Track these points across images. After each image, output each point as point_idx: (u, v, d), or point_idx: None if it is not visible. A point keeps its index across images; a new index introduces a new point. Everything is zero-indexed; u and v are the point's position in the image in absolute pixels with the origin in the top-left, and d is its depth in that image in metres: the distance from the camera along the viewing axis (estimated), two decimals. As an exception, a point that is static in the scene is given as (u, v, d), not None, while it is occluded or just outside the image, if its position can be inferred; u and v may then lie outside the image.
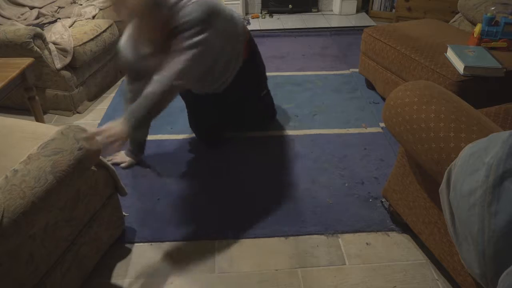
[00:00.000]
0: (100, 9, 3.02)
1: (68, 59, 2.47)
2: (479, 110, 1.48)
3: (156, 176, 2.02)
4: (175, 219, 1.80)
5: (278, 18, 4.11)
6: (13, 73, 1.97)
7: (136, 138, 1.98)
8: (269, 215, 1.81)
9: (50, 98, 2.57)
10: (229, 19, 1.78)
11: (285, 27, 3.89)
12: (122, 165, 2.07)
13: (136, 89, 1.80)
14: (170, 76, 1.56)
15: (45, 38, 2.39)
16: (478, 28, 2.19)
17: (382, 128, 2.39)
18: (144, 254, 1.65)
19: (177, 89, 1.62)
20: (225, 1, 4.05)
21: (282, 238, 1.71)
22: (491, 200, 0.96)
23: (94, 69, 2.73)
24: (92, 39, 2.61)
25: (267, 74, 3.10)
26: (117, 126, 1.51)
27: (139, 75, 1.76)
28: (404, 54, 2.28)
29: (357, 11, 4.19)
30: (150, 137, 2.33)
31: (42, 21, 2.86)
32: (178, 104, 2.65)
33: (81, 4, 3.13)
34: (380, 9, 4.16)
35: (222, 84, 1.94)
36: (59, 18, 2.89)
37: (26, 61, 2.08)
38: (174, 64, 1.56)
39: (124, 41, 1.77)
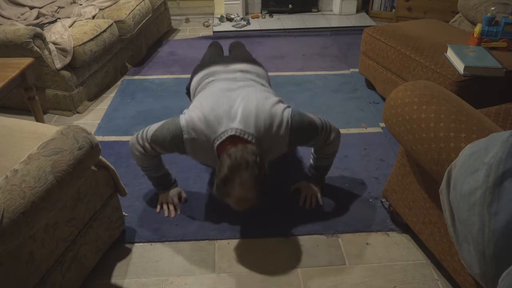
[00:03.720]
0: (100, 9, 3.02)
1: (68, 59, 2.47)
2: (479, 110, 1.48)
3: (156, 176, 2.02)
4: (175, 219, 1.79)
5: (278, 18, 4.11)
6: (13, 73, 1.97)
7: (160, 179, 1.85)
8: (269, 215, 1.81)
9: (50, 98, 2.57)
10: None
11: (285, 27, 3.89)
12: (181, 201, 1.90)
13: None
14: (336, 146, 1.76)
15: (45, 38, 2.39)
16: (478, 28, 2.19)
17: (382, 128, 2.39)
18: (144, 254, 1.65)
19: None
20: (225, 1, 4.05)
21: (282, 238, 1.71)
22: (491, 200, 0.96)
23: (94, 69, 2.73)
24: (92, 39, 2.61)
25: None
26: (315, 187, 1.87)
27: None
28: (404, 54, 2.28)
29: (357, 11, 4.19)
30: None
31: (42, 21, 2.86)
32: (178, 104, 2.66)
33: (81, 4, 3.13)
34: (380, 9, 4.16)
35: None
36: (59, 18, 2.89)
37: (26, 61, 2.08)
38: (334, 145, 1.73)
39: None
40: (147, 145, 1.62)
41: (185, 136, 1.53)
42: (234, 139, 1.47)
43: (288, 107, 1.58)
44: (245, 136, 1.47)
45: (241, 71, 1.79)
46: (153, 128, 1.62)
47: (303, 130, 1.58)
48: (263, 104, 1.54)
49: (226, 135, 1.47)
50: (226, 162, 1.40)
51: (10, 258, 1.13)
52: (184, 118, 1.54)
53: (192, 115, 1.54)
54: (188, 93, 2.03)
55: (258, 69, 1.86)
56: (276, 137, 1.55)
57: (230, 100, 1.54)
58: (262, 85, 1.72)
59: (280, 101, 1.60)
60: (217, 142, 1.48)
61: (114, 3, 3.10)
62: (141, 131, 1.65)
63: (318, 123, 1.62)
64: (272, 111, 1.53)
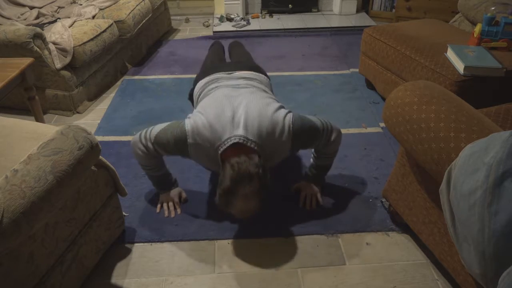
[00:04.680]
0: (100, 9, 3.02)
1: (68, 59, 2.47)
2: (479, 110, 1.48)
3: (156, 176, 2.02)
4: (175, 219, 1.80)
5: (278, 18, 4.11)
6: (13, 73, 1.97)
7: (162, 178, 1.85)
8: (269, 215, 1.81)
9: (50, 98, 2.57)
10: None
11: (285, 27, 3.89)
12: (180, 200, 1.90)
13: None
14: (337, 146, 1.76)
15: (45, 38, 2.39)
16: (478, 28, 2.19)
17: (382, 128, 2.39)
18: (144, 254, 1.65)
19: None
20: (225, 1, 4.05)
21: (282, 238, 1.71)
22: (491, 200, 0.96)
23: (94, 69, 2.73)
24: (92, 39, 2.61)
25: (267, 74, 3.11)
26: (315, 187, 1.87)
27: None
28: (404, 54, 2.28)
29: (357, 11, 4.19)
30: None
31: (42, 21, 2.86)
32: (178, 104, 2.66)
33: (81, 4, 3.13)
34: (380, 9, 4.16)
35: None
36: (59, 18, 2.89)
37: (26, 61, 2.08)
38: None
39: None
40: (150, 145, 1.62)
41: (190, 140, 1.54)
42: (238, 146, 1.49)
43: (289, 112, 1.60)
44: (248, 144, 1.49)
45: (244, 78, 1.81)
46: (157, 129, 1.62)
47: (305, 134, 1.60)
48: (265, 111, 1.56)
49: (230, 142, 1.49)
50: (229, 173, 1.42)
51: (10, 258, 1.13)
52: (189, 123, 1.56)
53: (197, 120, 1.55)
54: (190, 99, 2.04)
55: (260, 76, 1.88)
56: (279, 143, 1.57)
57: (233, 107, 1.56)
58: (264, 91, 1.73)
59: (281, 107, 1.62)
60: (221, 149, 1.50)
61: (114, 3, 3.10)
62: (145, 130, 1.65)
63: (319, 126, 1.63)
64: (273, 118, 1.55)
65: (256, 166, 1.44)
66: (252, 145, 1.49)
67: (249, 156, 1.46)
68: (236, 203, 1.44)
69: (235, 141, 1.48)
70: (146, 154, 1.66)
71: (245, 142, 1.49)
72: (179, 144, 1.56)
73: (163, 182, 1.84)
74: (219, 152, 1.51)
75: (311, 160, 1.84)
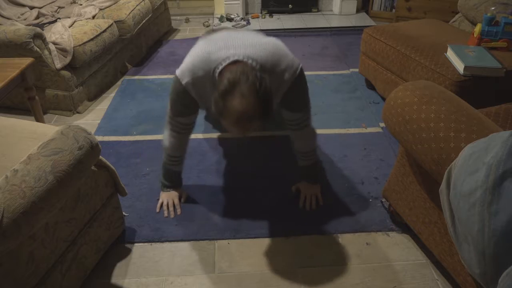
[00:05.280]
0: (100, 9, 3.02)
1: (68, 59, 2.47)
2: (479, 110, 1.48)
3: (156, 176, 2.02)
4: (175, 219, 1.80)
5: (278, 18, 4.11)
6: (13, 73, 1.97)
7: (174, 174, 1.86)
8: (269, 215, 1.81)
9: (50, 98, 2.57)
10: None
11: (285, 27, 3.89)
12: (181, 201, 1.89)
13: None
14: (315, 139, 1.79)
15: (45, 38, 2.39)
16: (478, 28, 2.19)
17: (382, 128, 2.39)
18: (144, 254, 1.65)
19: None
20: (225, 1, 4.05)
21: (282, 238, 1.71)
22: (491, 200, 0.96)
23: (94, 69, 2.73)
24: (92, 39, 2.61)
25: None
26: (314, 187, 1.88)
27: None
28: (404, 54, 2.28)
29: (357, 11, 4.19)
30: (150, 137, 2.33)
31: (42, 21, 2.86)
32: (178, 104, 2.65)
33: (81, 4, 3.14)
34: (380, 9, 4.16)
35: None
36: (59, 18, 2.89)
37: (26, 61, 2.08)
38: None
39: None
40: (171, 121, 1.66)
41: (183, 82, 1.50)
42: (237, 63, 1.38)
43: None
44: (249, 61, 1.39)
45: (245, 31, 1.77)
46: (168, 106, 1.66)
47: (301, 90, 1.56)
48: (275, 47, 1.49)
49: (228, 61, 1.39)
50: (226, 76, 1.32)
51: (10, 258, 1.13)
52: (178, 70, 1.53)
53: (186, 61, 1.52)
54: None
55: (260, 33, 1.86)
56: (279, 80, 1.49)
57: (229, 40, 1.46)
58: None
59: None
60: (218, 70, 1.41)
61: (114, 3, 3.10)
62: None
63: (308, 102, 1.63)
64: (283, 52, 1.50)
65: (254, 70, 1.33)
66: (253, 64, 1.39)
67: (249, 66, 1.35)
68: (233, 105, 1.28)
69: (234, 58, 1.39)
70: (175, 134, 1.68)
71: (246, 59, 1.39)
72: (181, 93, 1.54)
73: (175, 178, 1.86)
74: (216, 73, 1.41)
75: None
